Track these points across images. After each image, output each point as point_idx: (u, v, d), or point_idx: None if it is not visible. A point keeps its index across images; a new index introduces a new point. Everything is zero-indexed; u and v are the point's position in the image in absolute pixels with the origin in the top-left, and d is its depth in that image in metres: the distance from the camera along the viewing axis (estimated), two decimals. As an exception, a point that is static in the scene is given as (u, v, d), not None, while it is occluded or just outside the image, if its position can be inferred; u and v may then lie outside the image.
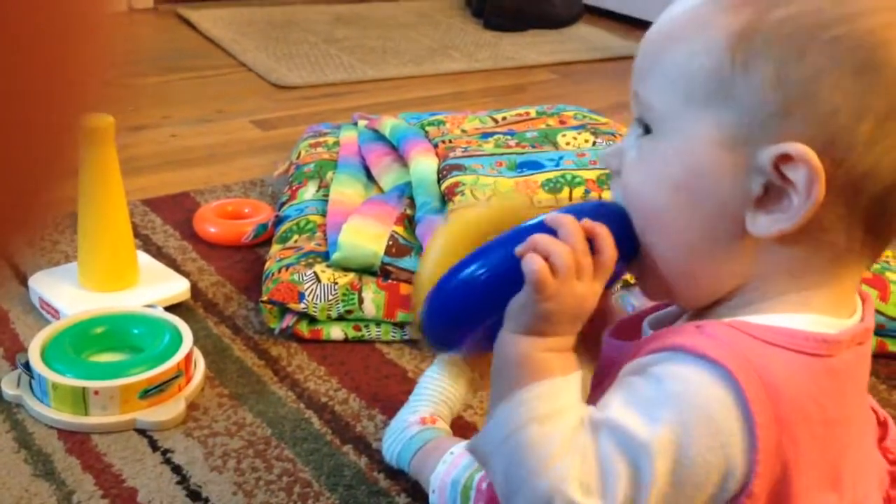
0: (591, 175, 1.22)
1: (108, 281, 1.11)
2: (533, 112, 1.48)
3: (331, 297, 1.09)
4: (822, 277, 0.51)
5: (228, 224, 1.31)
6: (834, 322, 0.51)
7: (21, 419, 0.95)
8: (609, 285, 0.55)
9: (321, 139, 1.48)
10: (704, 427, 0.47)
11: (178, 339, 1.00)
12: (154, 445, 0.92)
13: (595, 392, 0.53)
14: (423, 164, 1.29)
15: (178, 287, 1.14)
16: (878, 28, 0.47)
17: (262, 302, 1.10)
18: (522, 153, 1.30)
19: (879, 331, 1.05)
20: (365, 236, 1.13)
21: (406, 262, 1.12)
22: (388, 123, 1.44)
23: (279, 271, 1.11)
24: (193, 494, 0.86)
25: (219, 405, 0.98)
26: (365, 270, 1.12)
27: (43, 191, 0.22)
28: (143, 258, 1.18)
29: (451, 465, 0.81)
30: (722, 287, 0.52)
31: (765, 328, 0.49)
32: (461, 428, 0.94)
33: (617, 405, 0.49)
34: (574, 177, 1.21)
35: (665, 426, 0.47)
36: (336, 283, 1.10)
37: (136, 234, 1.26)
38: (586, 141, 1.35)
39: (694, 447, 0.47)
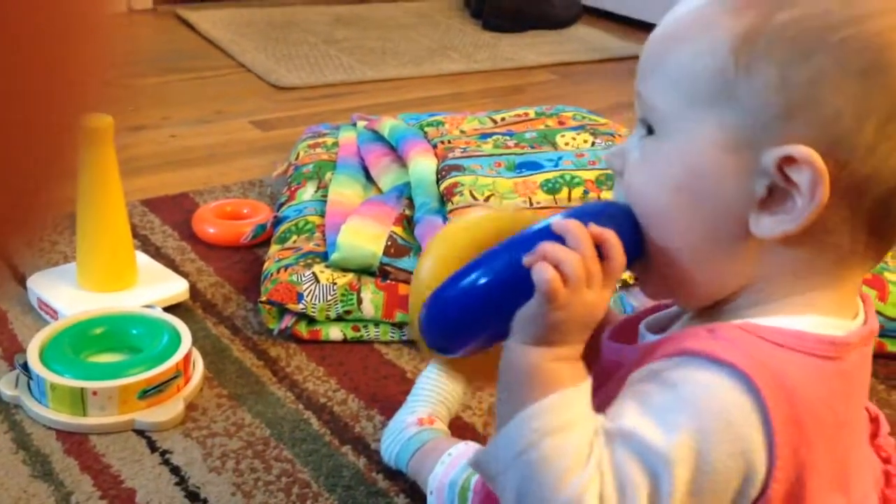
0: (590, 175, 1.22)
1: (106, 281, 1.11)
2: (532, 113, 1.48)
3: (329, 298, 1.09)
4: (826, 279, 0.51)
5: (227, 224, 1.31)
6: (840, 323, 0.51)
7: (19, 420, 0.95)
8: None
9: (320, 140, 1.48)
10: (724, 433, 0.46)
11: (176, 339, 1.00)
12: (153, 446, 0.92)
13: (594, 396, 0.52)
14: (422, 165, 1.29)
15: (176, 287, 1.14)
16: (885, 30, 0.47)
17: (261, 302, 1.10)
18: (521, 154, 1.30)
19: (878, 332, 1.05)
20: (364, 237, 1.13)
21: (405, 262, 1.12)
22: (387, 124, 1.44)
23: (278, 272, 1.11)
24: (192, 495, 0.86)
25: (217, 406, 0.98)
26: (364, 271, 1.12)
27: (43, 191, 0.22)
28: (142, 259, 1.18)
29: (449, 465, 0.81)
30: (725, 288, 0.52)
31: (775, 330, 0.49)
32: (459, 429, 0.94)
33: (631, 414, 0.48)
34: (573, 177, 1.21)
35: (683, 433, 0.46)
36: (335, 284, 1.10)
37: (135, 235, 1.25)
38: (585, 141, 1.35)
39: (714, 453, 0.46)
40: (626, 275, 0.56)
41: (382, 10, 2.69)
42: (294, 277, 1.10)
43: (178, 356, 0.97)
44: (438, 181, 1.25)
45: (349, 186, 1.30)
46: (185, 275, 1.20)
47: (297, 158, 1.44)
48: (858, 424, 0.53)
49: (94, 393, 0.93)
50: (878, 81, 0.47)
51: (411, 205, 1.22)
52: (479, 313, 0.52)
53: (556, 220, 0.52)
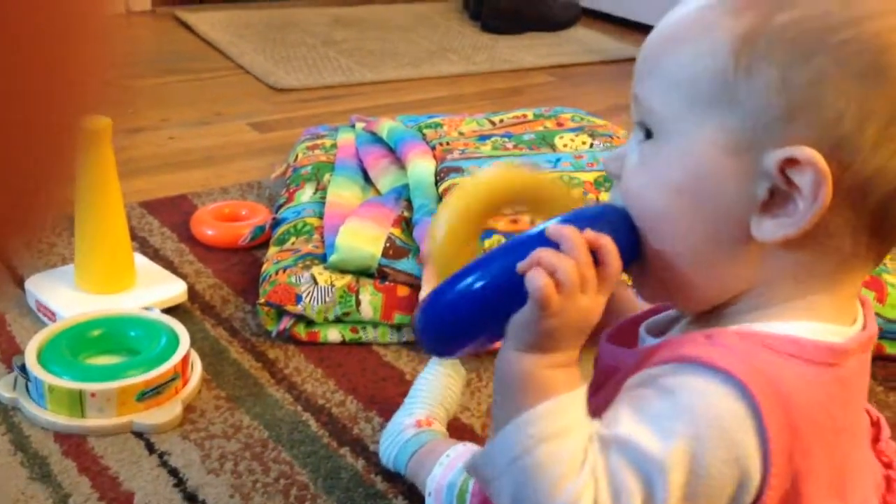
0: (588, 177, 1.22)
1: (104, 283, 1.11)
2: (530, 114, 1.48)
3: (328, 300, 1.09)
4: (827, 283, 0.50)
5: (226, 226, 1.31)
6: (839, 329, 0.51)
7: (17, 422, 0.95)
8: None
9: (319, 141, 1.48)
10: (719, 440, 0.46)
11: (174, 341, 1.00)
12: (151, 448, 0.92)
13: (592, 399, 0.52)
14: (421, 167, 1.29)
15: (175, 289, 1.14)
16: (885, 31, 0.47)
17: (260, 304, 1.10)
18: (520, 155, 1.30)
19: (877, 335, 1.05)
20: (362, 238, 1.13)
21: (403, 264, 1.12)
22: (385, 126, 1.44)
23: (276, 273, 1.11)
24: (190, 497, 0.86)
25: (216, 407, 0.98)
26: (362, 272, 1.12)
27: (43, 191, 0.22)
28: (141, 260, 1.18)
29: (447, 467, 0.81)
30: (725, 292, 0.52)
31: (774, 337, 0.49)
32: (458, 430, 0.94)
33: (627, 420, 0.48)
34: (571, 178, 1.21)
35: (679, 440, 0.46)
36: (333, 286, 1.10)
37: (134, 237, 1.25)
38: (584, 143, 1.35)
39: (708, 460, 0.46)
40: (623, 277, 0.55)
41: (381, 11, 2.69)
42: (292, 279, 1.10)
43: (176, 358, 0.97)
44: (437, 183, 1.25)
45: (348, 188, 1.30)
46: (183, 276, 1.19)
47: (295, 160, 1.44)
48: (857, 430, 0.53)
49: (93, 395, 0.93)
50: (880, 83, 0.47)
51: (410, 206, 1.22)
52: (475, 317, 0.52)
53: (551, 226, 0.52)
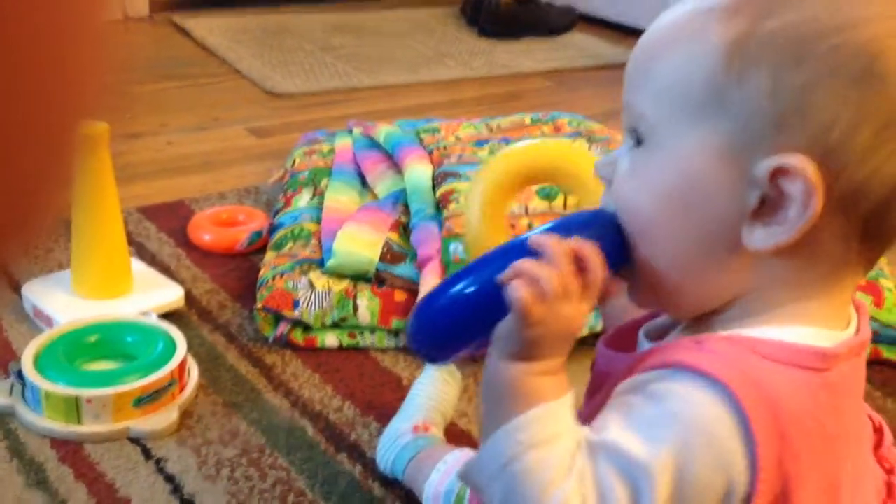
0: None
1: (101, 289, 1.11)
2: (528, 119, 1.49)
3: (325, 305, 1.09)
4: (819, 288, 0.50)
5: (223, 232, 1.30)
6: (830, 334, 0.50)
7: (13, 428, 0.94)
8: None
9: (316, 146, 1.48)
10: (706, 446, 0.46)
11: (171, 347, 1.00)
12: (147, 454, 0.92)
13: (588, 404, 0.52)
14: (418, 172, 1.29)
15: (172, 295, 1.14)
16: (873, 39, 0.46)
17: (257, 309, 1.09)
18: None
19: (874, 338, 1.05)
20: (359, 243, 1.13)
21: (401, 268, 1.12)
22: (382, 131, 1.44)
23: (273, 279, 1.11)
24: (187, 503, 0.85)
25: (212, 413, 0.98)
26: (359, 277, 1.12)
27: (40, 194, 0.22)
28: (138, 266, 1.18)
29: (444, 473, 0.81)
30: (715, 299, 0.51)
31: (763, 342, 0.48)
32: (455, 435, 0.94)
33: (615, 426, 0.48)
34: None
35: (666, 446, 0.46)
36: (331, 291, 1.10)
37: (131, 242, 1.25)
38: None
39: (695, 467, 0.46)
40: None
41: (378, 17, 2.69)
42: (290, 284, 1.10)
43: (173, 364, 0.97)
44: (434, 188, 1.25)
45: (345, 193, 1.30)
46: (180, 282, 1.19)
47: (293, 165, 1.44)
48: (854, 436, 0.52)
49: (89, 401, 0.93)
50: (872, 89, 0.46)
51: (407, 211, 1.22)
52: (468, 322, 0.53)
53: (533, 237, 0.52)
